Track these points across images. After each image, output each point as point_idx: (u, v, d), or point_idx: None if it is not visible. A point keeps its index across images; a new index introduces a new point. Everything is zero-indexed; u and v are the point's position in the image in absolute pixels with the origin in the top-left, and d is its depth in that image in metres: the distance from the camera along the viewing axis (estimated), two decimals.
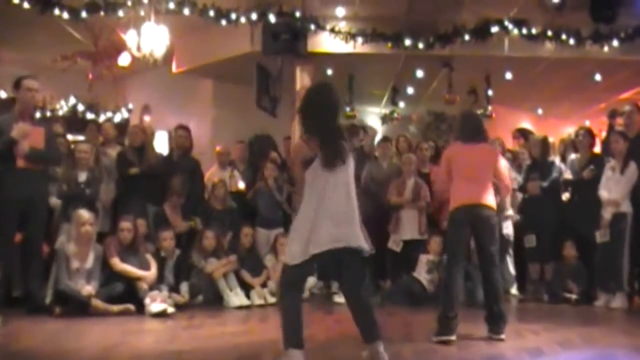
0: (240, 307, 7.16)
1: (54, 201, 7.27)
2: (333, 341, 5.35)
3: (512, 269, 8.34)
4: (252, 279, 7.60)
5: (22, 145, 6.39)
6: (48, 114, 10.97)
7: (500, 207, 8.28)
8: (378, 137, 9.92)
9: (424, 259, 7.77)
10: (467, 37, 9.74)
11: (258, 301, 7.35)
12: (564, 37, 9.63)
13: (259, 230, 8.19)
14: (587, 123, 12.11)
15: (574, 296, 7.62)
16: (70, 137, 9.20)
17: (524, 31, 9.65)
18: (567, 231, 8.08)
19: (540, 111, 14.61)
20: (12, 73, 7.84)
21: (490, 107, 11.61)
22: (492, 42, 9.81)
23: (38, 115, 8.40)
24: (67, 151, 7.68)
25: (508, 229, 8.26)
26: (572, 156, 8.43)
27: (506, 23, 9.60)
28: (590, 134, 8.23)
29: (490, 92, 11.58)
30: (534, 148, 8.38)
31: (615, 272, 7.32)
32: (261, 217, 8.31)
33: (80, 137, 9.02)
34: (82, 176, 7.31)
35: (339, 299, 7.64)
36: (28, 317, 6.22)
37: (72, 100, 11.67)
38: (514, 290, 8.31)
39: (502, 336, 5.26)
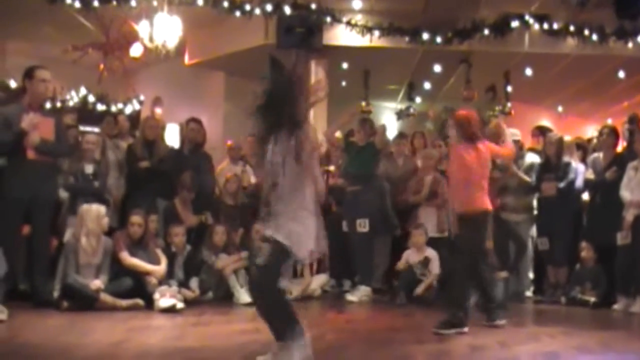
0: (250, 304, 7.01)
1: (63, 194, 7.16)
2: (344, 341, 5.24)
3: (529, 272, 8.19)
4: None
5: (32, 137, 6.30)
6: (58, 104, 10.92)
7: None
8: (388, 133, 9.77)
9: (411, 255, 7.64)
10: (486, 32, 9.61)
11: None
12: (586, 33, 9.47)
13: None
14: (609, 121, 11.90)
15: (592, 299, 7.44)
16: (80, 128, 9.12)
17: (545, 26, 9.49)
18: (585, 233, 7.89)
19: (560, 109, 14.42)
20: (21, 63, 7.76)
21: (509, 104, 11.45)
22: (512, 38, 9.67)
23: (48, 106, 8.29)
24: (74, 142, 7.59)
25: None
26: (594, 155, 8.21)
27: (527, 18, 9.44)
28: (614, 133, 8.00)
29: (509, 89, 11.42)
30: (549, 147, 8.17)
31: (636, 276, 7.13)
32: None
33: (90, 129, 8.93)
34: (89, 168, 7.20)
35: (351, 297, 7.55)
36: (35, 310, 6.16)
37: (83, 91, 11.63)
38: (528, 293, 8.15)
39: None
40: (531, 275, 8.31)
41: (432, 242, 7.73)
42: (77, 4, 8.90)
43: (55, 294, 6.45)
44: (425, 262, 7.47)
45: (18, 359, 4.32)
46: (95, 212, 6.59)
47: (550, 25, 9.52)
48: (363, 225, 7.69)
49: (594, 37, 9.48)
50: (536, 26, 9.52)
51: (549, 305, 7.69)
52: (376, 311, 7.13)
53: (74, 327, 5.43)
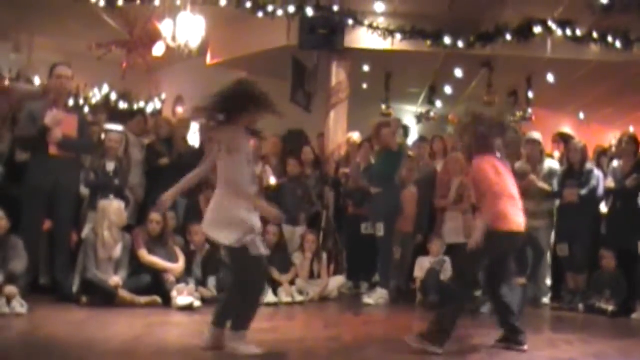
0: (268, 305, 7.06)
1: (84, 190, 7.22)
2: (359, 342, 5.27)
3: (547, 278, 8.16)
4: (280, 276, 7.50)
5: (55, 133, 6.37)
6: (81, 101, 11.02)
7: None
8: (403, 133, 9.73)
9: (424, 261, 7.61)
10: (508, 37, 9.53)
11: (285, 299, 7.27)
12: (610, 39, 9.34)
13: (284, 227, 8.06)
14: (632, 129, 11.80)
15: (610, 307, 7.38)
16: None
17: (569, 32, 9.38)
18: (605, 241, 7.84)
19: (582, 115, 14.30)
20: (47, 59, 7.86)
21: (530, 110, 11.39)
22: (534, 43, 9.59)
23: (71, 102, 8.38)
24: (97, 140, 7.65)
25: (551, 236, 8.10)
26: (615, 164, 8.16)
27: (550, 23, 9.34)
28: (634, 141, 7.94)
29: (531, 95, 11.35)
30: (573, 154, 8.12)
31: None
32: (285, 213, 8.17)
33: (112, 126, 8.99)
34: (111, 166, 7.23)
35: (368, 299, 7.54)
36: (55, 305, 6.22)
37: (106, 88, 11.71)
38: (546, 299, 8.11)
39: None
40: (549, 281, 8.27)
41: (457, 248, 7.67)
42: (102, 2, 8.97)
43: (75, 288, 6.52)
44: (441, 261, 7.51)
45: (38, 353, 4.38)
46: (116, 205, 6.68)
47: (574, 31, 9.43)
48: (379, 229, 7.70)
49: (618, 43, 9.38)
50: (559, 32, 9.43)
51: (567, 312, 7.64)
52: (393, 313, 7.13)
53: (93, 322, 5.49)
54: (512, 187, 5.08)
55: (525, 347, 4.96)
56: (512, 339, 5.01)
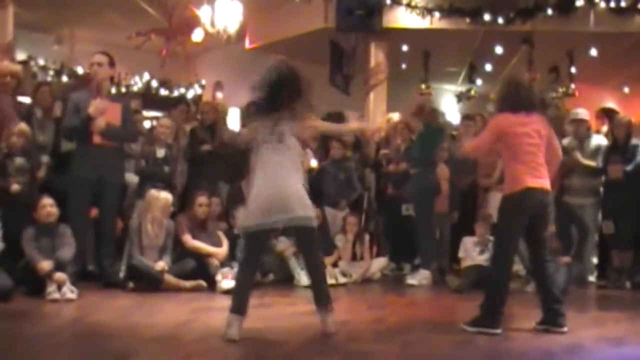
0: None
1: (129, 177, 7.31)
2: (404, 324, 5.26)
3: (593, 256, 8.04)
4: (323, 259, 7.52)
5: (98, 122, 6.45)
6: (123, 90, 11.15)
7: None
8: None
9: (468, 241, 7.51)
10: (549, 12, 9.36)
11: (329, 281, 7.27)
12: None
13: (326, 209, 8.08)
14: None
15: None
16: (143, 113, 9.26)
17: (612, 4, 9.18)
18: None
19: (626, 90, 13.99)
20: (88, 50, 7.96)
21: (573, 86, 11.19)
22: (576, 17, 9.42)
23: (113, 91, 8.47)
24: (140, 128, 7.70)
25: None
26: None
27: None
28: None
29: (573, 70, 11.14)
30: (617, 129, 7.97)
31: None
32: (327, 196, 8.21)
33: (153, 113, 9.10)
34: (161, 153, 7.25)
35: (411, 280, 7.53)
36: (102, 291, 6.35)
37: (146, 76, 11.82)
38: (592, 277, 8.00)
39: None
40: (595, 260, 8.16)
41: None
42: None
43: (121, 275, 6.63)
44: (485, 241, 7.42)
45: (90, 338, 4.48)
46: (163, 201, 6.73)
47: (617, 2, 9.23)
48: (410, 210, 7.70)
49: None
50: (602, 4, 9.25)
51: (614, 291, 7.53)
52: (436, 295, 7.11)
53: (140, 308, 5.58)
54: (531, 149, 4.89)
55: (565, 329, 4.84)
56: (551, 321, 4.90)
